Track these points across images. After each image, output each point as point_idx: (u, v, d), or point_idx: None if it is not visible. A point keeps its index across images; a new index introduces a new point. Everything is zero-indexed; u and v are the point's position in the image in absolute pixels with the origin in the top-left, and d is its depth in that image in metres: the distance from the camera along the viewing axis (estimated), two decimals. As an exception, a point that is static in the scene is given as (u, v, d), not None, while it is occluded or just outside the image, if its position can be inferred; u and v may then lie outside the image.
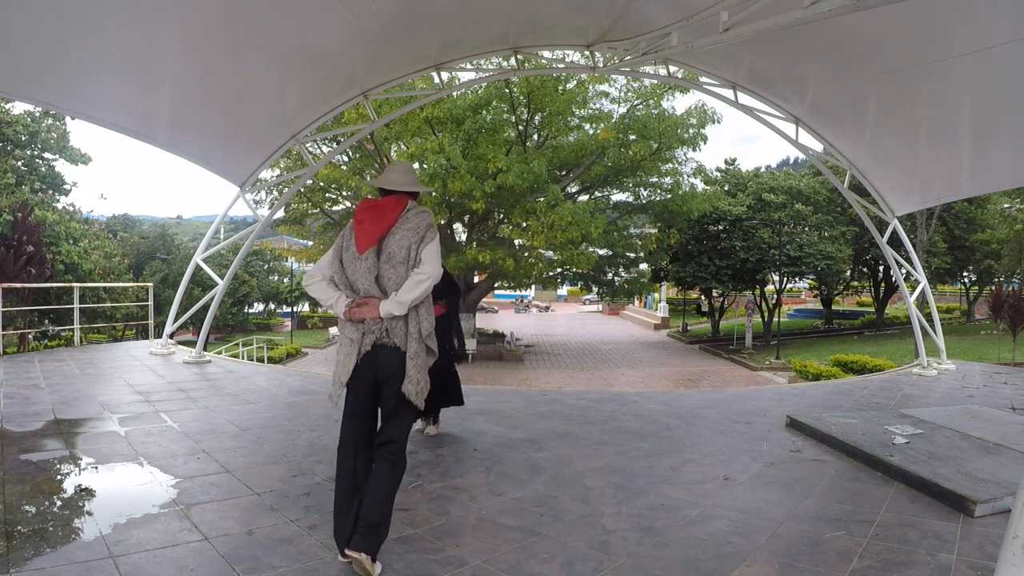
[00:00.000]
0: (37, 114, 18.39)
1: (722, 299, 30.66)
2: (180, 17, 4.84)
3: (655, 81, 17.16)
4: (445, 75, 7.76)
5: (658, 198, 22.18)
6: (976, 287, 31.81)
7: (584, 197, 22.46)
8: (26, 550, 2.64)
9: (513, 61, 7.71)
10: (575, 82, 19.23)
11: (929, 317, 9.03)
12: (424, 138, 18.01)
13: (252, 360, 16.00)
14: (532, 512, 3.30)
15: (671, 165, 21.52)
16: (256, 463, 3.99)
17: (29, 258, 11.76)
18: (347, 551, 2.54)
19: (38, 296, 12.64)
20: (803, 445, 4.68)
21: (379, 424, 2.71)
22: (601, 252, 23.19)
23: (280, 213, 21.35)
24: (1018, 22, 4.41)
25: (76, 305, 9.96)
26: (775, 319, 25.79)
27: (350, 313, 2.61)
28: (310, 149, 9.86)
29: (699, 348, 26.85)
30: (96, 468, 3.76)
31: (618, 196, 23.93)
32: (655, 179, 22.11)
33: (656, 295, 40.06)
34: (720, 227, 24.84)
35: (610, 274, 25.22)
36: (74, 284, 11.04)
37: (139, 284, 16.48)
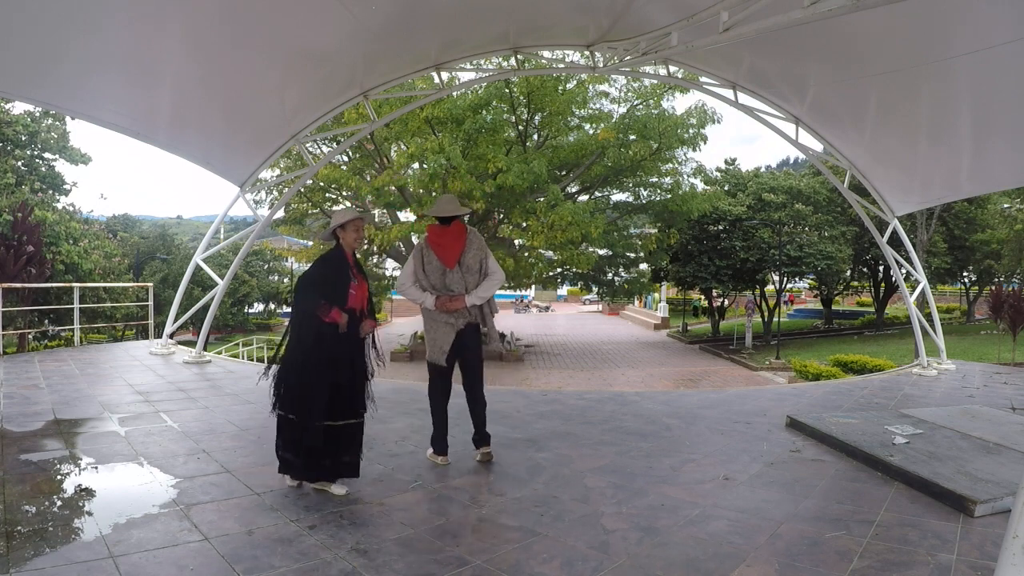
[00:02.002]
0: (37, 114, 18.39)
1: (722, 299, 30.65)
2: (180, 17, 4.85)
3: (655, 81, 17.16)
4: (445, 75, 7.76)
5: (658, 198, 22.17)
6: (976, 287, 31.81)
7: (584, 197, 22.45)
8: (26, 550, 2.64)
9: (513, 61, 7.71)
10: (575, 82, 19.22)
11: (929, 317, 9.02)
12: (424, 138, 17.99)
13: (252, 360, 16.01)
14: (532, 512, 3.30)
15: (671, 165, 21.51)
16: (256, 463, 3.99)
17: (29, 258, 11.76)
18: (479, 451, 4.17)
19: (38, 296, 12.65)
20: (803, 445, 4.68)
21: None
22: (601, 252, 23.18)
23: (280, 213, 21.34)
24: (1018, 22, 4.41)
25: (76, 305, 9.96)
26: (775, 319, 25.79)
27: (445, 305, 3.90)
28: (310, 149, 9.86)
29: (699, 348, 26.84)
30: (96, 468, 3.76)
31: (618, 196, 23.93)
32: (655, 179, 22.10)
33: (656, 295, 40.06)
34: (720, 227, 24.83)
35: (610, 274, 25.21)
36: (74, 284, 11.04)
37: (139, 284, 16.48)
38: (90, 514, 3.08)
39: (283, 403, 3.42)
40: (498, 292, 4.25)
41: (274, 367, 3.53)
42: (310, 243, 24.58)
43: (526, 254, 20.54)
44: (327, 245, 3.68)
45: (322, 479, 3.46)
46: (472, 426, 4.18)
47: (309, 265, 3.87)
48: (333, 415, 3.38)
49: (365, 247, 22.73)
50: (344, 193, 21.16)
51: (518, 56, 7.46)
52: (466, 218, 4.49)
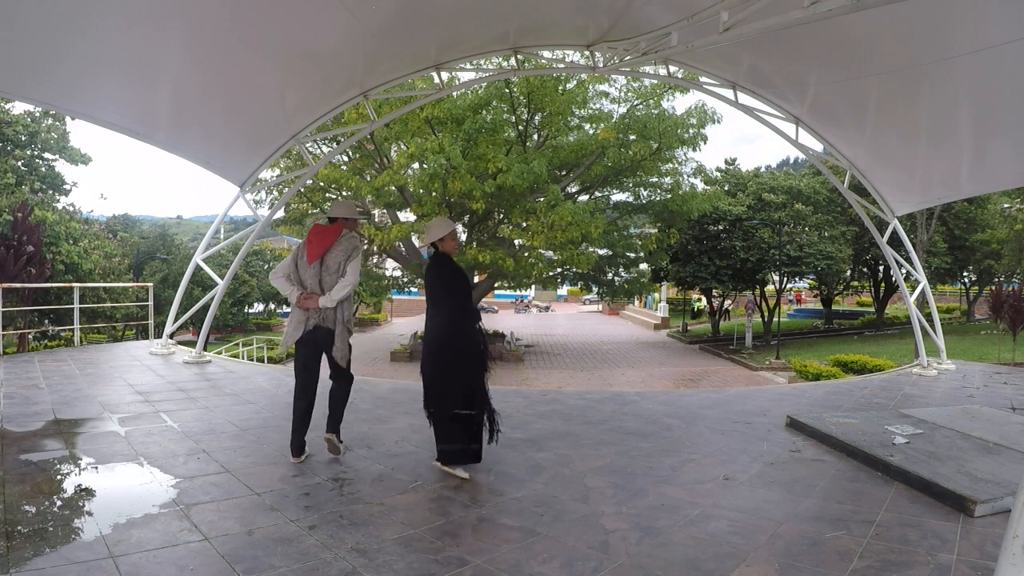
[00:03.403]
0: (37, 114, 18.39)
1: (722, 300, 30.63)
2: (180, 17, 4.84)
3: (655, 81, 17.15)
4: (445, 75, 7.76)
5: (658, 198, 22.17)
6: (976, 287, 31.80)
7: (584, 197, 22.45)
8: (26, 550, 2.64)
9: (513, 61, 7.71)
10: (575, 82, 19.22)
11: (929, 317, 9.02)
12: (424, 138, 17.99)
13: (252, 360, 16.01)
14: (532, 512, 3.30)
15: (671, 165, 21.51)
16: (256, 463, 3.99)
17: (29, 258, 11.75)
18: (325, 436, 4.09)
19: (38, 296, 12.64)
20: (803, 445, 4.68)
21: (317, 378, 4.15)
22: (601, 252, 23.18)
23: (280, 213, 21.35)
24: (1018, 22, 4.41)
25: (76, 305, 9.95)
26: (775, 319, 25.79)
27: (300, 303, 3.93)
28: (310, 149, 9.86)
29: (699, 348, 26.85)
30: (96, 468, 3.76)
31: (618, 196, 23.94)
32: (655, 179, 22.10)
33: (656, 295, 40.08)
34: (720, 227, 24.84)
35: (610, 274, 25.21)
36: (74, 284, 11.03)
37: (139, 284, 16.46)
38: (90, 514, 3.08)
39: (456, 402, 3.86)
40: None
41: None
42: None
43: (526, 254, 20.53)
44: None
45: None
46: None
47: (437, 270, 4.01)
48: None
49: (365, 247, 22.76)
50: (344, 193, 21.15)
51: (518, 56, 7.46)
52: (376, 216, 4.82)
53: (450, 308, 3.90)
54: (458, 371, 3.82)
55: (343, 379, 4.14)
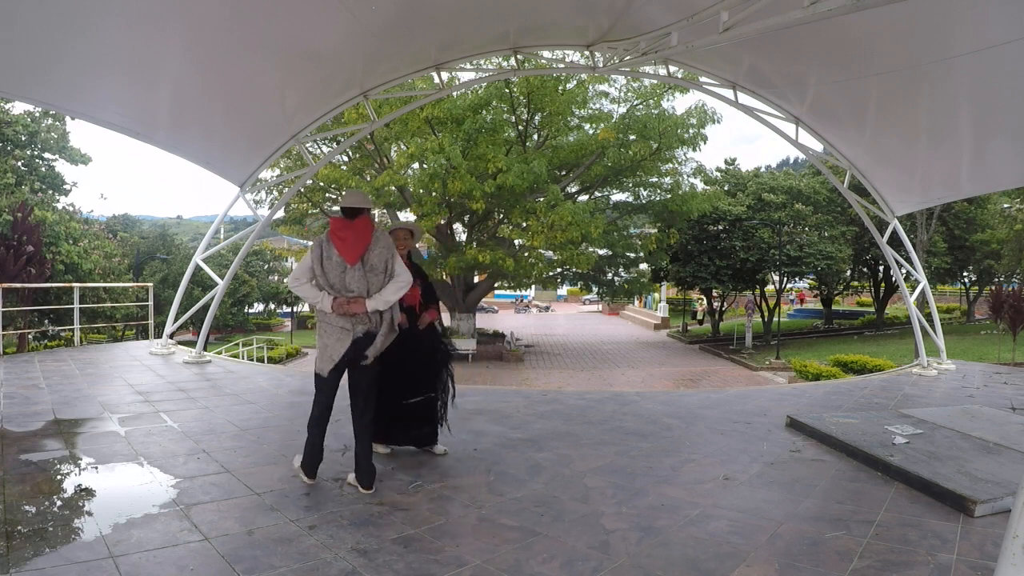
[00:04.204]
0: (37, 114, 18.40)
1: (722, 300, 30.62)
2: (180, 17, 4.84)
3: (655, 81, 17.16)
4: (445, 75, 7.76)
5: (658, 198, 22.19)
6: (976, 287, 31.80)
7: (584, 197, 22.46)
8: (26, 550, 2.64)
9: (513, 61, 7.71)
10: (575, 82, 19.24)
11: (929, 317, 9.02)
12: (424, 138, 18.01)
13: (252, 360, 16.00)
14: (532, 512, 3.30)
15: (671, 165, 21.54)
16: (256, 463, 3.99)
17: (29, 258, 11.76)
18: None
19: (38, 296, 12.65)
20: (803, 445, 4.68)
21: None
22: (601, 252, 23.21)
23: (280, 213, 21.35)
24: (1018, 22, 4.41)
25: (76, 305, 9.95)
26: (775, 319, 25.79)
27: (344, 308, 3.42)
28: (310, 149, 9.86)
29: (699, 348, 26.86)
30: (96, 468, 3.76)
31: (618, 196, 23.96)
32: (655, 179, 22.12)
33: (656, 295, 40.09)
34: (720, 227, 24.85)
35: (610, 274, 25.24)
36: (74, 284, 11.04)
37: (139, 284, 16.48)
38: (90, 514, 3.08)
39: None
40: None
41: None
42: (310, 243, 24.58)
43: (526, 254, 20.54)
44: None
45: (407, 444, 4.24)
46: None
47: None
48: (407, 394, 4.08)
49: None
50: (344, 193, 21.15)
51: (518, 56, 7.46)
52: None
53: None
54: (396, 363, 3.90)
55: (370, 410, 3.64)
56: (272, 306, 39.71)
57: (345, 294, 3.45)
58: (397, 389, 4.02)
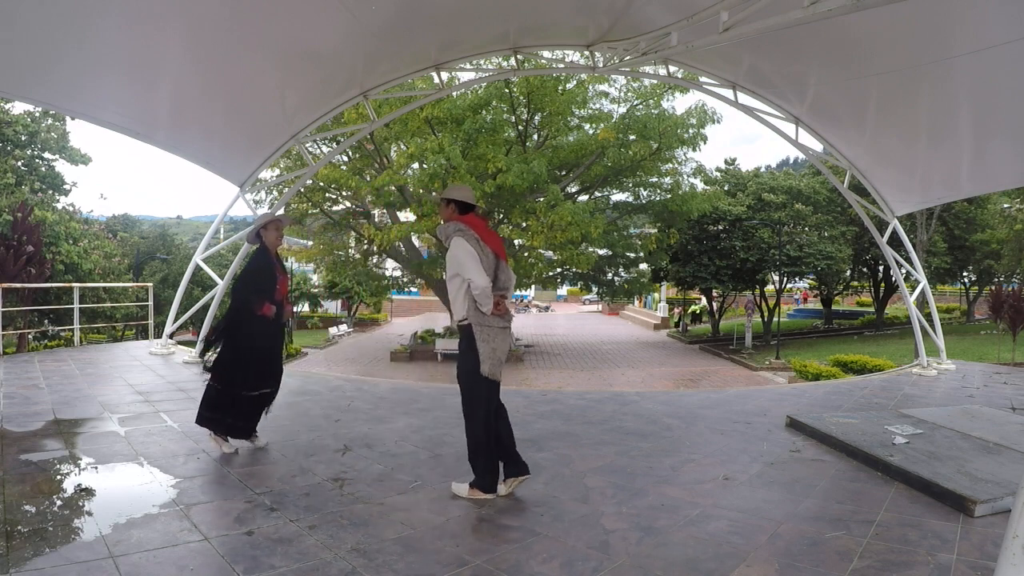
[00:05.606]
0: (37, 114, 18.38)
1: (721, 300, 30.62)
2: (180, 17, 4.85)
3: (655, 81, 17.15)
4: (445, 75, 7.77)
5: (658, 198, 22.17)
6: (976, 287, 31.79)
7: (584, 197, 22.45)
8: (26, 550, 2.64)
9: (513, 61, 7.71)
10: (575, 82, 19.21)
11: (929, 317, 9.02)
12: (424, 138, 17.99)
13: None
14: (532, 512, 3.30)
15: (671, 165, 21.51)
16: (256, 463, 3.99)
17: (29, 258, 11.74)
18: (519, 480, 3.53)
19: (38, 296, 12.63)
20: (803, 445, 4.68)
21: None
22: (601, 252, 23.18)
23: (280, 213, 21.29)
24: (1018, 22, 4.41)
25: (76, 305, 9.95)
26: (775, 319, 25.79)
27: (502, 308, 3.39)
28: (310, 149, 9.86)
29: (699, 348, 26.84)
30: (96, 468, 3.76)
31: (618, 196, 23.93)
32: (655, 179, 22.09)
33: (656, 295, 40.07)
34: (720, 227, 24.82)
35: (610, 274, 25.21)
36: (74, 284, 11.03)
37: (139, 284, 16.46)
38: (90, 514, 3.08)
39: (216, 377, 4.15)
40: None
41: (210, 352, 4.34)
42: (310, 243, 24.61)
43: (526, 254, 20.53)
44: (328, 245, 3.91)
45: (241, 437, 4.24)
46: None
47: (246, 263, 4.44)
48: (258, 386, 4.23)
49: (365, 247, 22.75)
50: (344, 193, 21.15)
51: (518, 56, 7.46)
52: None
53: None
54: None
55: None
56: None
57: (497, 291, 3.38)
58: (251, 381, 4.21)
